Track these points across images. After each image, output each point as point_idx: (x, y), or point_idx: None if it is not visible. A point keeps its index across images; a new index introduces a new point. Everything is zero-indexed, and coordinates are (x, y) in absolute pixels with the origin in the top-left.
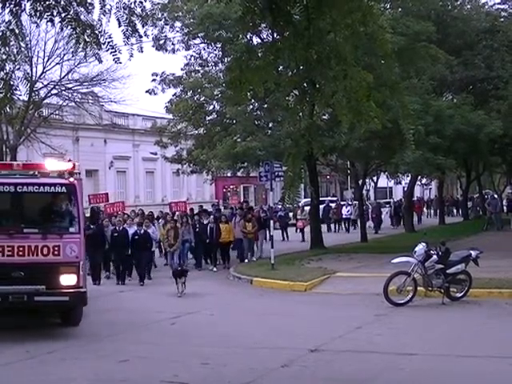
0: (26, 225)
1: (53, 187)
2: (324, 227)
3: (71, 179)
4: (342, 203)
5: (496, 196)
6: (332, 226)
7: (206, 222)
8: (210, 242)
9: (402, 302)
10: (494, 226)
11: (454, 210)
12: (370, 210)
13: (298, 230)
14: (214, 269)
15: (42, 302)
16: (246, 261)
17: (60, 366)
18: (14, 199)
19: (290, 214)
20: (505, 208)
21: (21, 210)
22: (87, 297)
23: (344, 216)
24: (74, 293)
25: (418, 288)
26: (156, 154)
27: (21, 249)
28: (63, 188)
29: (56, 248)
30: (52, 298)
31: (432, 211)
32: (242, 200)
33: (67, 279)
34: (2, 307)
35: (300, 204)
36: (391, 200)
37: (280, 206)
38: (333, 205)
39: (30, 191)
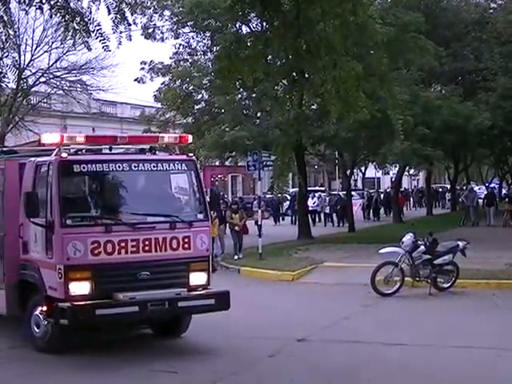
0: (148, 212)
1: (172, 164)
2: (289, 220)
3: (190, 154)
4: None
5: (474, 188)
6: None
7: None
8: None
9: (390, 292)
10: (470, 221)
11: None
12: (335, 201)
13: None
14: None
15: (187, 308)
16: (236, 257)
17: (45, 358)
18: (129, 180)
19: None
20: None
21: (139, 193)
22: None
23: (310, 208)
24: (219, 294)
25: (406, 278)
26: None
27: (147, 243)
28: (183, 165)
29: (186, 240)
30: (198, 302)
31: (412, 203)
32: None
33: (199, 278)
34: (140, 318)
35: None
36: (363, 191)
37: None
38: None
39: (148, 169)
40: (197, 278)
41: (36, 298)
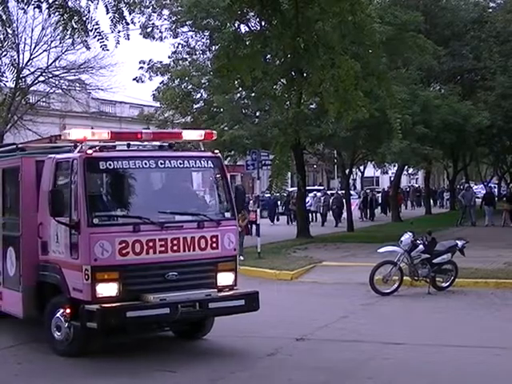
0: (175, 210)
1: (198, 161)
2: (284, 219)
3: (216, 151)
4: None
5: (471, 187)
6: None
7: None
8: None
9: (388, 291)
10: (468, 221)
11: (431, 201)
12: (330, 201)
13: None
14: None
15: (218, 309)
16: None
17: (45, 357)
18: (156, 178)
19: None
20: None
21: (166, 191)
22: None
23: None
24: (249, 294)
25: (404, 277)
26: None
27: (175, 242)
28: (209, 162)
29: (214, 239)
30: (228, 303)
31: (409, 202)
32: None
33: (227, 278)
34: (170, 320)
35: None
36: (361, 191)
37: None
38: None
39: (174, 166)
40: (224, 279)
41: (56, 300)
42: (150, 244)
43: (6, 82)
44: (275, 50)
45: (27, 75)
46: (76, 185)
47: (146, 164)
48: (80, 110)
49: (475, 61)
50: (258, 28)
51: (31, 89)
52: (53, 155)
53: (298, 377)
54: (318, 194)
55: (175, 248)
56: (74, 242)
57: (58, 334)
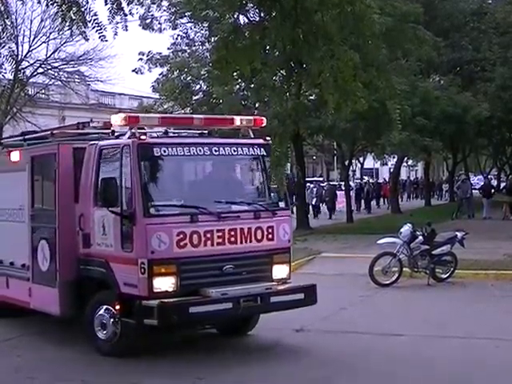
0: (231, 200)
1: (252, 148)
2: None
3: (267, 138)
4: None
5: (468, 179)
6: None
7: None
8: None
9: (388, 282)
10: (464, 214)
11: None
12: (323, 193)
13: None
14: None
15: (278, 303)
16: None
17: (47, 350)
18: (210, 165)
19: None
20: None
21: (221, 179)
22: None
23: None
24: (307, 288)
25: (404, 269)
26: None
27: (232, 233)
28: (262, 149)
29: (270, 230)
30: (289, 297)
31: (406, 194)
32: None
33: (282, 271)
34: (232, 316)
35: None
36: (356, 182)
37: None
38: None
39: (228, 154)
40: (280, 272)
41: (101, 296)
42: (208, 235)
43: (5, 73)
44: (274, 41)
45: (26, 67)
46: (129, 172)
47: (200, 151)
48: (79, 102)
49: (475, 52)
50: (257, 19)
51: (30, 81)
52: (95, 142)
53: (297, 369)
54: (311, 186)
55: (232, 239)
56: (126, 234)
57: (104, 332)
